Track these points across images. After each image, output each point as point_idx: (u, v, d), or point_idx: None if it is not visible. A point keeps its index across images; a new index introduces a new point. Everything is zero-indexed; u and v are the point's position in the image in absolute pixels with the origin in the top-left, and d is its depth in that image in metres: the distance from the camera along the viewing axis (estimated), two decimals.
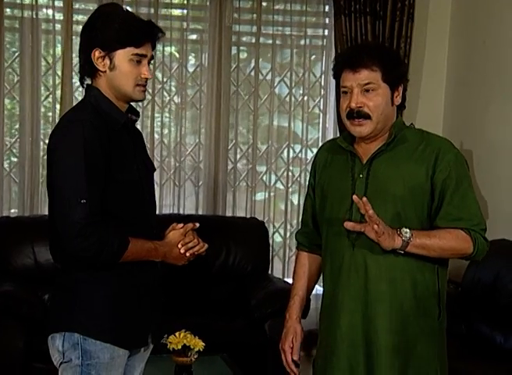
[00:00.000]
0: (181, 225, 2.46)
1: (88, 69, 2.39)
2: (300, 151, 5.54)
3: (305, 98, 5.49)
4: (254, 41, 5.35)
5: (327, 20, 5.51)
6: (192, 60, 5.44)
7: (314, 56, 5.56)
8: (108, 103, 2.39)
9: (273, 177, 5.46)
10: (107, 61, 2.36)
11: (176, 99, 5.26)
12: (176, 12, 5.36)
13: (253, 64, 5.36)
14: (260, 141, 5.46)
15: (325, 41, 5.54)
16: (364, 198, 2.35)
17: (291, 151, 5.49)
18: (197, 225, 2.48)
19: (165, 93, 5.22)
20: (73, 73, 4.94)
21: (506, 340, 3.89)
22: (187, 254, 2.45)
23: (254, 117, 5.37)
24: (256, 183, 5.41)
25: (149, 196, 2.49)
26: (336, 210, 2.56)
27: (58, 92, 4.99)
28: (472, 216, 2.46)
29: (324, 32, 5.52)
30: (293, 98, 5.46)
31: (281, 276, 5.16)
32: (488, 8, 5.10)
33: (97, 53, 2.35)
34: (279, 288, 4.57)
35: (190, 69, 5.30)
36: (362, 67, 2.45)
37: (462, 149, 5.15)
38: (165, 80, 5.21)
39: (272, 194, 5.46)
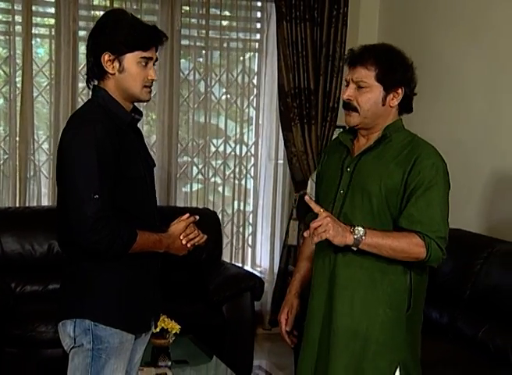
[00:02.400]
0: (184, 217, 2.47)
1: (97, 72, 2.37)
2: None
3: (239, 97, 5.51)
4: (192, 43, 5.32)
5: (258, 25, 5.54)
6: None
7: (247, 57, 5.54)
8: (115, 103, 2.37)
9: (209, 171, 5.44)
10: (116, 64, 2.34)
11: None
12: None
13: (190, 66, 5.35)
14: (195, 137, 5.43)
15: (257, 44, 5.56)
16: (307, 197, 2.41)
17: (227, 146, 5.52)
18: (197, 218, 2.50)
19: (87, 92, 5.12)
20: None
21: (441, 316, 4.01)
22: (188, 245, 2.45)
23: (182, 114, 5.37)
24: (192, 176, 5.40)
25: (152, 190, 2.49)
26: (324, 199, 2.58)
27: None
28: (433, 222, 2.39)
29: (256, 36, 5.53)
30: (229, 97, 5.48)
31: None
32: (413, 17, 5.22)
33: (106, 56, 2.33)
34: (234, 273, 4.61)
35: None
36: (359, 64, 2.46)
37: None
38: None
39: (194, 185, 5.45)
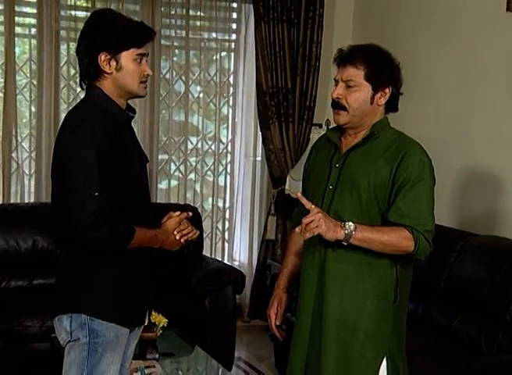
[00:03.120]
0: (178, 213, 2.47)
1: (93, 72, 2.35)
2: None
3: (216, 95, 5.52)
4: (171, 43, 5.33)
5: (234, 26, 5.56)
6: None
7: (224, 57, 5.56)
8: (110, 102, 2.36)
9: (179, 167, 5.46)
10: (113, 63, 2.33)
11: (82, 95, 5.10)
12: None
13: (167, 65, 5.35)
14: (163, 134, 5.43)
15: (233, 44, 5.59)
16: (299, 194, 2.43)
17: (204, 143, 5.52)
18: (190, 214, 2.51)
19: (69, 90, 5.12)
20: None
21: (416, 307, 4.08)
22: (182, 240, 2.46)
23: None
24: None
25: (146, 186, 2.49)
26: (313, 194, 2.58)
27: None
28: (420, 216, 2.42)
29: (232, 36, 5.56)
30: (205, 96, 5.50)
31: None
32: (386, 18, 5.28)
33: (103, 56, 2.31)
34: (216, 268, 4.64)
35: None
36: (348, 64, 2.47)
37: None
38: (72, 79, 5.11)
39: (172, 181, 5.45)
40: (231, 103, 5.59)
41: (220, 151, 5.60)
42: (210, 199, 5.62)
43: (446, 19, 4.68)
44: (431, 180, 2.48)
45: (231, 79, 5.59)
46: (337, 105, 2.49)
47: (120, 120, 2.38)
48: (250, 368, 4.70)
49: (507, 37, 4.15)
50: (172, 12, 5.31)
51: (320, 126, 5.43)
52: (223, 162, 5.64)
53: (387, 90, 2.50)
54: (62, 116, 5.08)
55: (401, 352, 2.54)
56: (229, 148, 5.64)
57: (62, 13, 5.02)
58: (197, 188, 5.55)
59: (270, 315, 2.76)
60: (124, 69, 2.34)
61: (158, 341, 3.41)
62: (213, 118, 5.59)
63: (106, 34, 2.32)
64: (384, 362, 2.48)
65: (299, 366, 2.59)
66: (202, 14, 5.38)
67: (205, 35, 5.47)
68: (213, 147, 5.57)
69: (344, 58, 2.50)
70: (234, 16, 5.54)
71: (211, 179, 5.60)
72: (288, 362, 2.66)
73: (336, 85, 2.51)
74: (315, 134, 5.11)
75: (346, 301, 2.48)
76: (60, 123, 4.83)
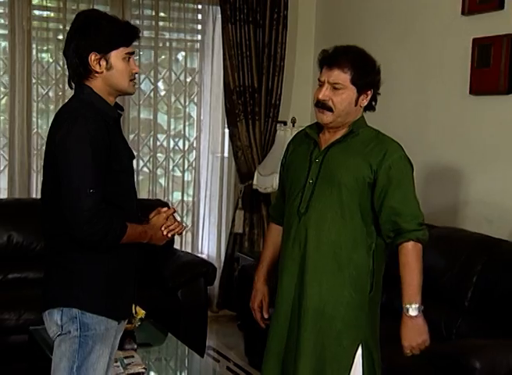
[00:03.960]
0: (165, 209, 2.50)
1: (83, 72, 2.34)
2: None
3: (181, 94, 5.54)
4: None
5: (199, 27, 5.58)
6: None
7: (189, 56, 5.57)
8: (101, 100, 2.36)
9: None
10: (103, 62, 2.32)
11: (51, 93, 5.14)
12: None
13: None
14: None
15: (198, 44, 5.60)
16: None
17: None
18: (177, 210, 2.56)
19: (40, 88, 5.12)
20: None
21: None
22: (169, 235, 2.49)
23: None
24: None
25: (133, 182, 2.50)
26: (293, 189, 2.62)
27: None
28: (411, 212, 2.49)
29: (197, 37, 5.58)
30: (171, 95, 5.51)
31: None
32: (346, 19, 5.37)
33: (93, 56, 2.31)
34: (188, 260, 4.67)
35: None
36: (336, 67, 2.48)
37: None
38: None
39: (140, 177, 5.47)
40: (196, 101, 5.61)
41: (186, 148, 5.62)
42: (177, 194, 5.64)
43: (405, 21, 4.76)
44: (411, 171, 2.55)
45: (196, 78, 5.62)
46: (323, 106, 2.51)
47: (111, 118, 2.38)
48: (220, 356, 4.76)
49: (462, 39, 4.24)
50: (141, 13, 5.31)
51: (285, 123, 5.50)
52: (189, 158, 5.66)
53: (369, 92, 2.55)
54: (34, 114, 5.10)
55: (375, 341, 2.61)
56: (195, 145, 5.66)
57: (34, 13, 5.00)
58: (165, 184, 5.57)
59: (254, 308, 2.81)
60: (114, 68, 2.34)
61: (135, 332, 3.44)
62: (179, 116, 5.60)
63: (95, 35, 2.31)
64: (359, 350, 2.54)
65: (276, 354, 2.64)
66: (170, 15, 5.38)
67: (174, 36, 5.47)
68: (180, 144, 5.59)
69: (332, 61, 2.51)
70: (199, 17, 5.55)
71: (177, 174, 5.62)
72: (265, 349, 2.69)
73: (320, 85, 2.53)
74: (281, 131, 5.18)
75: (325, 292, 2.52)
76: (32, 121, 4.99)
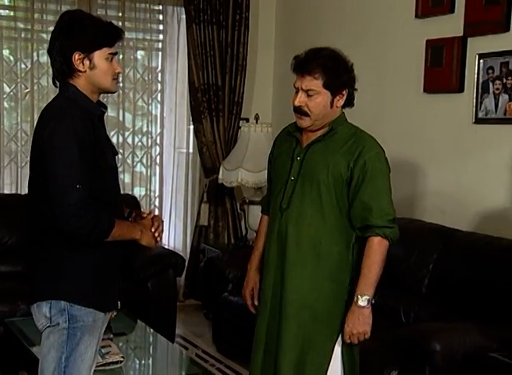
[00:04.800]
0: (148, 213, 2.53)
1: (67, 70, 2.34)
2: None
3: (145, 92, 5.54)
4: None
5: (161, 27, 5.58)
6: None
7: (152, 56, 5.56)
8: (85, 98, 2.36)
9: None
10: (87, 62, 2.32)
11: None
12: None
13: None
14: None
15: (160, 44, 5.61)
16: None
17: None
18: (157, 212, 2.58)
19: (22, 86, 5.08)
20: None
21: None
22: (158, 238, 2.49)
23: None
24: None
25: (117, 179, 2.50)
26: (276, 185, 2.65)
27: None
28: (381, 208, 2.48)
29: (159, 37, 5.57)
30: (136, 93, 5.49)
31: None
32: (305, 20, 5.42)
33: (77, 56, 2.31)
34: (157, 252, 4.69)
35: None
36: (307, 74, 2.49)
37: None
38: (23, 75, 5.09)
39: None
40: (160, 99, 5.62)
41: (150, 144, 5.62)
42: (141, 189, 5.65)
43: (362, 22, 4.84)
44: (387, 171, 2.55)
45: (159, 76, 5.62)
46: (300, 111, 2.54)
47: (95, 115, 2.39)
48: (188, 343, 4.80)
49: (416, 40, 4.34)
50: (106, 14, 5.28)
51: (247, 120, 5.56)
52: (153, 154, 5.67)
53: (344, 92, 2.55)
54: (5, 112, 5.05)
55: None
56: (158, 141, 5.66)
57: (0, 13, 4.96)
58: (129, 179, 5.57)
59: (245, 295, 2.82)
60: (97, 68, 2.34)
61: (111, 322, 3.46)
62: (141, 112, 5.59)
63: (79, 35, 2.31)
64: (339, 339, 2.57)
65: (262, 343, 2.67)
66: (136, 16, 5.37)
67: (140, 35, 5.44)
68: (143, 140, 5.59)
69: (302, 68, 2.51)
70: (161, 17, 5.54)
71: (141, 170, 5.63)
72: (254, 339, 2.72)
73: (297, 92, 2.55)
74: (245, 128, 5.23)
75: (306, 285, 2.55)
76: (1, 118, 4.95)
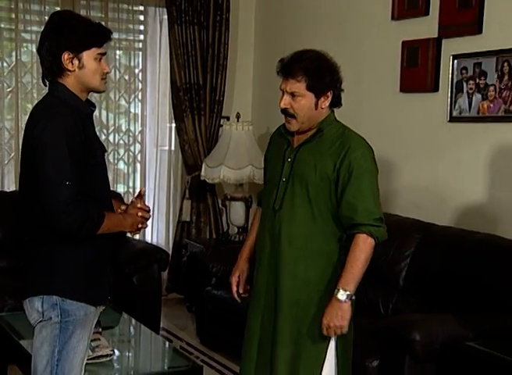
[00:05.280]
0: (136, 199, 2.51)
1: (56, 70, 2.33)
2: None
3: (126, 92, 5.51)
4: None
5: (142, 27, 5.54)
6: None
7: (132, 56, 5.51)
8: (74, 97, 2.34)
9: None
10: (76, 61, 2.31)
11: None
12: None
13: None
14: None
15: (140, 44, 5.56)
16: None
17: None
18: (144, 189, 2.57)
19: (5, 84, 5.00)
20: None
21: None
22: (139, 225, 2.46)
23: None
24: None
25: (107, 175, 2.49)
26: (269, 185, 2.65)
27: None
28: (367, 207, 2.46)
29: (139, 37, 5.52)
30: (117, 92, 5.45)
31: None
32: (283, 21, 5.43)
33: (66, 55, 2.29)
34: (142, 248, 4.69)
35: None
36: (290, 77, 2.48)
37: (268, 132, 5.53)
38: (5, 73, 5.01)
39: None
40: (141, 98, 5.58)
41: (131, 142, 5.58)
42: (124, 186, 5.61)
43: (339, 23, 4.84)
44: (374, 170, 2.52)
45: (140, 76, 5.57)
46: (286, 113, 2.54)
47: (84, 114, 2.37)
48: (172, 336, 4.79)
49: (393, 41, 4.37)
50: (89, 15, 5.22)
51: (228, 118, 5.56)
52: (134, 152, 5.63)
53: (329, 93, 2.53)
54: None
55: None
56: (139, 139, 5.63)
57: None
58: (111, 176, 5.50)
59: (231, 282, 2.80)
60: (86, 67, 2.33)
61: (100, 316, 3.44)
62: (122, 111, 5.55)
63: (69, 35, 2.29)
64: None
65: (256, 339, 2.65)
66: (119, 16, 5.32)
67: (122, 36, 5.41)
68: (125, 138, 5.55)
69: (286, 71, 2.51)
70: (142, 18, 5.51)
71: (123, 167, 5.59)
72: (246, 335, 2.70)
73: (283, 95, 2.54)
74: (227, 126, 5.22)
75: (299, 283, 2.54)
76: None
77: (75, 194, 2.23)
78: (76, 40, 2.31)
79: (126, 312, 4.02)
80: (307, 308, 2.56)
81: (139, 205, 2.49)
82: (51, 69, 2.35)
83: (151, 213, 2.53)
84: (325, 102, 2.54)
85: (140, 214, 2.46)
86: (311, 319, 2.55)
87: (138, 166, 5.65)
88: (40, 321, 2.35)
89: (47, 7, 5.08)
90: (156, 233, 5.72)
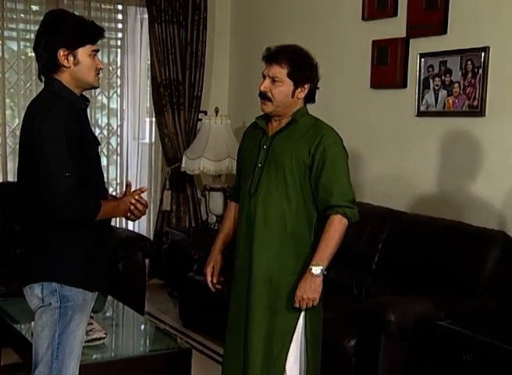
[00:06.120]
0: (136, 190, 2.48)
1: (52, 66, 2.30)
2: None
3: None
4: None
5: (120, 25, 5.46)
6: None
7: (112, 53, 5.44)
8: (69, 92, 2.31)
9: None
10: (71, 58, 2.28)
11: None
12: None
13: None
14: None
15: (119, 42, 5.48)
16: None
17: None
18: (146, 188, 2.55)
19: None
20: None
21: None
22: (133, 201, 2.43)
23: None
24: None
25: (101, 167, 2.47)
26: (245, 171, 2.66)
27: None
28: (341, 189, 2.52)
29: (118, 35, 5.46)
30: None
31: None
32: (257, 21, 5.42)
33: (62, 52, 2.27)
34: (127, 236, 4.64)
35: None
36: (274, 62, 2.52)
37: (244, 125, 5.52)
38: None
39: None
40: (119, 93, 5.50)
41: (110, 135, 5.52)
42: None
43: (312, 23, 4.83)
44: (345, 156, 2.58)
45: (118, 72, 5.50)
46: (264, 96, 2.56)
47: (79, 108, 2.35)
48: (156, 319, 4.76)
49: (363, 40, 4.38)
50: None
51: (206, 113, 5.53)
52: (113, 144, 5.55)
53: (306, 86, 2.57)
54: None
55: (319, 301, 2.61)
56: (118, 133, 5.56)
57: None
58: None
59: (206, 272, 2.81)
60: (81, 64, 2.30)
61: None
62: (101, 106, 5.47)
63: (64, 33, 2.27)
64: (303, 312, 2.59)
65: (236, 316, 2.67)
66: (102, 15, 5.25)
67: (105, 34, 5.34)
68: (104, 132, 5.47)
69: (271, 57, 2.55)
70: (120, 17, 5.43)
71: (102, 160, 5.52)
72: (229, 311, 2.73)
73: (264, 79, 2.57)
74: (206, 120, 5.20)
75: (272, 261, 2.57)
76: None
77: (74, 184, 2.21)
78: (72, 37, 2.28)
79: (113, 297, 3.98)
80: (279, 286, 2.57)
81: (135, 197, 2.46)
82: (48, 66, 2.32)
83: (144, 201, 2.49)
84: (301, 93, 2.57)
85: (133, 201, 2.43)
86: (283, 297, 2.57)
87: (118, 158, 5.58)
88: (41, 306, 2.32)
89: (32, 6, 4.98)
90: (138, 222, 5.61)
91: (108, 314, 3.74)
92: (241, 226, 2.67)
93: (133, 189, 2.51)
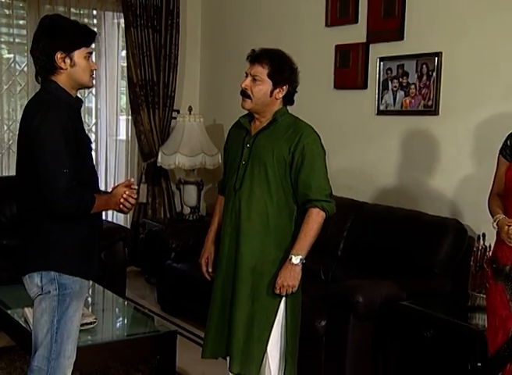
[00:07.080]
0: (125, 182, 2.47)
1: (49, 68, 2.27)
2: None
3: None
4: None
5: (96, 29, 5.44)
6: None
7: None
8: (65, 93, 2.29)
9: None
10: (68, 60, 2.26)
11: None
12: None
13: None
14: None
15: (93, 45, 5.43)
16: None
17: None
18: (133, 180, 2.52)
19: None
20: None
21: None
22: (124, 199, 2.40)
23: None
24: None
25: (94, 163, 2.47)
26: (230, 169, 2.66)
27: None
28: (319, 184, 2.52)
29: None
30: None
31: None
32: (227, 26, 5.40)
33: (59, 55, 2.24)
34: (108, 227, 4.53)
35: None
36: (257, 62, 2.53)
37: (215, 123, 5.52)
38: None
39: None
40: (94, 93, 5.43)
41: (86, 132, 5.44)
42: None
43: (279, 27, 4.83)
44: (323, 153, 2.58)
45: (94, 73, 5.41)
46: (244, 94, 2.56)
47: (75, 109, 2.33)
48: (135, 304, 4.72)
49: (327, 45, 4.41)
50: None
51: (178, 111, 5.50)
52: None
53: (284, 87, 2.56)
54: None
55: (298, 287, 2.62)
56: (94, 130, 5.50)
57: None
58: None
59: (201, 263, 2.81)
60: (77, 65, 2.28)
61: None
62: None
63: (61, 36, 2.25)
64: (284, 298, 2.61)
65: (220, 302, 2.67)
66: (81, 21, 5.08)
67: None
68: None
69: (255, 58, 2.55)
70: (95, 21, 5.35)
71: None
72: (211, 298, 2.71)
73: (246, 77, 2.57)
74: (180, 118, 5.18)
75: (256, 251, 2.57)
76: None
77: (71, 180, 2.20)
78: (68, 40, 2.26)
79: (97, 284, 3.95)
80: (262, 275, 2.58)
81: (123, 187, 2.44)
82: (45, 68, 2.29)
83: (135, 195, 2.46)
84: (279, 93, 2.57)
85: (124, 196, 2.41)
86: (265, 285, 2.57)
87: (93, 154, 5.51)
88: (40, 294, 2.30)
89: (15, 2, 4.87)
90: (116, 213, 5.61)
91: (96, 300, 3.69)
92: (227, 219, 2.65)
93: (120, 181, 2.50)
